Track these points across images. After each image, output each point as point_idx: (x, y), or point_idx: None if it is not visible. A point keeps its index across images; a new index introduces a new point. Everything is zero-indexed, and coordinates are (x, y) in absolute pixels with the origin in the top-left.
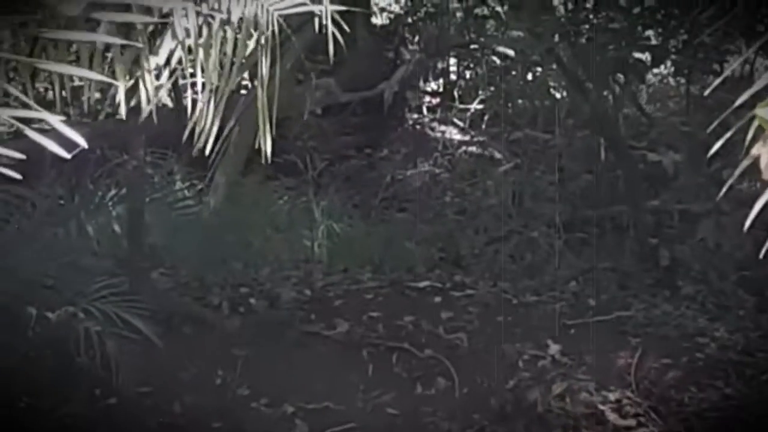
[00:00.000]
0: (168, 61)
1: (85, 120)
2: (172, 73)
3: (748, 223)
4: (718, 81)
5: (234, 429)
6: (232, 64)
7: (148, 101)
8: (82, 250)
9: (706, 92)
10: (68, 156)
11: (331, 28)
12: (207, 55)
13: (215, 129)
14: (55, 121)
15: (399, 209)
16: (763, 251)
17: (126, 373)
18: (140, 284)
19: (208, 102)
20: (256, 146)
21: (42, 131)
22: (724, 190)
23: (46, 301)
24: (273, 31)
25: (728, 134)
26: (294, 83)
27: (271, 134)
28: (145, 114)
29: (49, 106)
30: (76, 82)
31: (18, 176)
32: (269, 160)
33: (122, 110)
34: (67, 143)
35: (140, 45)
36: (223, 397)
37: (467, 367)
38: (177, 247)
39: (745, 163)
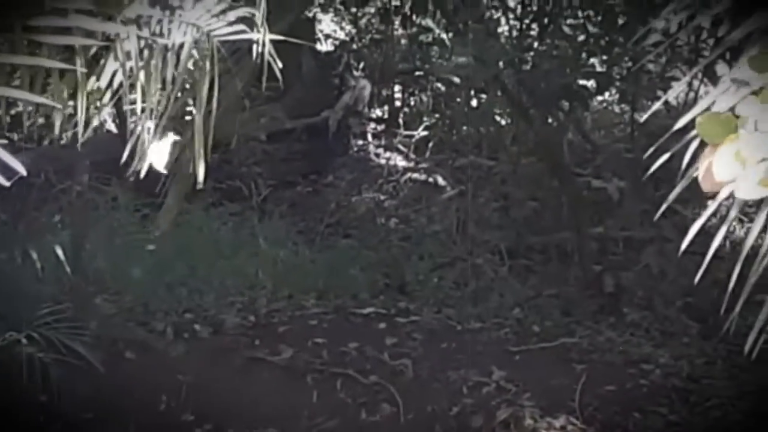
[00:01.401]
0: (110, 84)
1: (29, 145)
2: (114, 94)
3: (683, 246)
4: (656, 105)
5: None
6: (172, 87)
7: (87, 124)
8: (26, 276)
9: (643, 117)
10: (7, 184)
11: (267, 56)
12: (148, 78)
13: (154, 152)
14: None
15: (344, 235)
16: (697, 278)
17: (70, 400)
18: (84, 310)
19: (150, 126)
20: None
21: None
22: (660, 211)
23: None
24: (213, 57)
25: (666, 156)
26: (239, 109)
27: (205, 159)
28: (83, 137)
29: None
30: (20, 107)
31: None
32: (202, 186)
33: (58, 133)
34: (7, 170)
35: (82, 69)
36: (168, 422)
37: (412, 393)
38: (121, 273)
39: (684, 183)
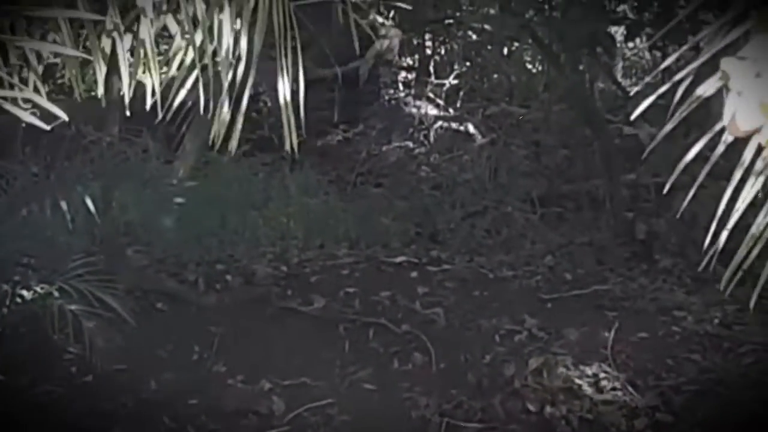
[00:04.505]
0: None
1: (60, 97)
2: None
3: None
4: (684, 48)
5: (211, 406)
6: (203, 39)
7: (129, 81)
8: (57, 228)
9: (668, 62)
10: (48, 128)
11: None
12: (182, 30)
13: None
14: (39, 99)
15: (375, 185)
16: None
17: (102, 351)
18: (116, 262)
19: (180, 78)
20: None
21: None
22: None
23: (21, 279)
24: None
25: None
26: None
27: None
28: (129, 95)
29: (22, 82)
30: (51, 59)
31: None
32: (234, 149)
33: (100, 89)
34: (47, 116)
35: (116, 20)
36: (200, 373)
37: (444, 342)
38: (152, 225)
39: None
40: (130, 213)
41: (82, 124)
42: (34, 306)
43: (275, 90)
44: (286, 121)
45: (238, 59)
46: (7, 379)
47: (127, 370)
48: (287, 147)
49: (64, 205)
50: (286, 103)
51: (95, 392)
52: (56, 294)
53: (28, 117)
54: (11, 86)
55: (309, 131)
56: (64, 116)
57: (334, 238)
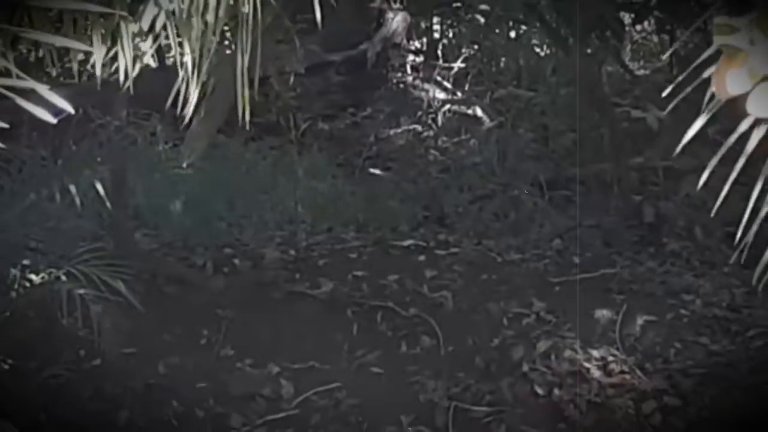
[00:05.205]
0: (151, 27)
1: (68, 81)
2: (155, 38)
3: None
4: (694, 26)
5: (219, 389)
6: (214, 27)
7: (131, 67)
8: (66, 213)
9: (672, 48)
10: (54, 121)
11: None
12: (189, 19)
13: (197, 92)
14: (44, 90)
15: (383, 168)
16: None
17: (110, 335)
18: (124, 246)
19: (192, 65)
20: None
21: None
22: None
23: (30, 263)
24: None
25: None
26: (273, 43)
27: (249, 98)
28: (128, 84)
29: (30, 68)
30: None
31: (1, 146)
32: (247, 125)
33: (98, 78)
34: (53, 107)
35: (122, 12)
36: (208, 357)
37: (452, 325)
38: (160, 208)
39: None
40: (138, 197)
41: (90, 107)
42: (43, 290)
43: (282, 73)
44: (240, 92)
45: (246, 42)
46: (15, 363)
47: (135, 354)
48: (240, 118)
49: (72, 189)
50: (242, 71)
51: (103, 376)
52: (64, 278)
53: (37, 110)
54: (16, 76)
55: (317, 115)
56: (71, 109)
57: (342, 222)
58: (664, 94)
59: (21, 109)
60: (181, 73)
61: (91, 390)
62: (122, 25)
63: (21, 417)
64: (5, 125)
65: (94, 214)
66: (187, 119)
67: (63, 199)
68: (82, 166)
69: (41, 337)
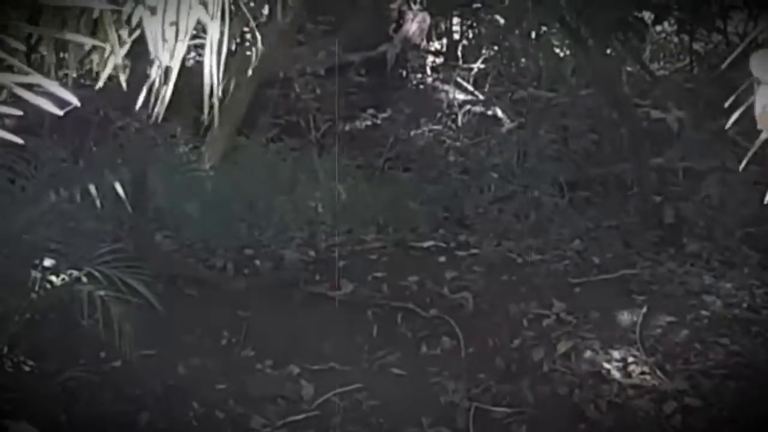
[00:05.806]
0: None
1: (88, 82)
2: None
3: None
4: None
5: (239, 391)
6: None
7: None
8: (86, 214)
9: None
10: (61, 113)
11: None
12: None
13: (219, 89)
14: (51, 84)
15: (403, 169)
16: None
17: (130, 336)
18: (144, 247)
19: (213, 64)
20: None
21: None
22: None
23: (51, 265)
24: None
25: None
26: (293, 45)
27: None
28: (124, 79)
29: (47, 68)
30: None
31: (20, 141)
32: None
33: (102, 76)
34: (62, 102)
35: (107, 6)
36: (228, 358)
37: (472, 326)
38: (181, 210)
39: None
40: (158, 198)
41: (111, 109)
42: (63, 292)
43: (303, 75)
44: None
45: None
46: (36, 364)
47: (155, 356)
48: (205, 112)
49: (93, 190)
50: (211, 65)
51: (124, 377)
52: (85, 280)
53: (44, 103)
54: (21, 70)
55: (336, 116)
56: (77, 102)
57: (363, 223)
58: (726, 105)
59: (41, 109)
60: (206, 76)
61: (112, 391)
62: (107, 21)
63: (41, 418)
64: (19, 112)
65: (115, 216)
66: (207, 121)
67: (84, 201)
68: (102, 167)
69: (62, 339)
